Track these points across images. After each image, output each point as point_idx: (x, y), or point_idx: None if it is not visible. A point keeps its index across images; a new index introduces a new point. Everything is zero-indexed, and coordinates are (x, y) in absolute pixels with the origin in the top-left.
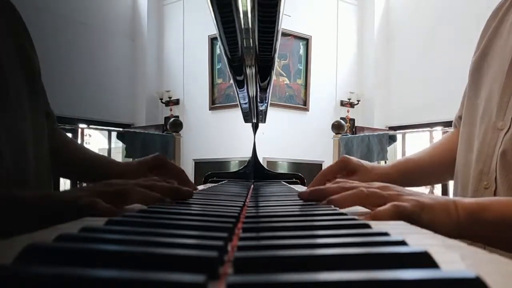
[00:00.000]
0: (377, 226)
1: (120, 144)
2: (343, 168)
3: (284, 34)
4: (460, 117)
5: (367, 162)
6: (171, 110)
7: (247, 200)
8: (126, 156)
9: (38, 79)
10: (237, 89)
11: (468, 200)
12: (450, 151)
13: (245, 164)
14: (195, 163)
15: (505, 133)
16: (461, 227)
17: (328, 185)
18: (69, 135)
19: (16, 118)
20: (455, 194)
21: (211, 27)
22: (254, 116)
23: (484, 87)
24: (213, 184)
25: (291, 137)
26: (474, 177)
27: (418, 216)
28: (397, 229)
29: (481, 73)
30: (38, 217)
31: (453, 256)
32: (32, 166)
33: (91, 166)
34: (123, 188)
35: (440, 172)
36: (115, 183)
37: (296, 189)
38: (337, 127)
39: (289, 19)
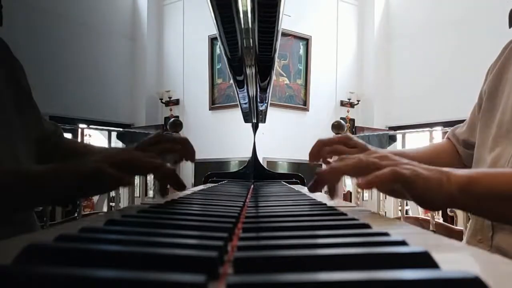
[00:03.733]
0: (377, 226)
1: (120, 144)
2: (343, 143)
3: (284, 34)
4: (464, 141)
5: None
6: (171, 110)
7: (247, 200)
8: None
9: (29, 101)
10: (237, 89)
11: (460, 172)
12: (436, 156)
13: (245, 164)
14: (195, 163)
15: None
16: (452, 199)
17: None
18: (69, 135)
19: (12, 141)
20: None
21: (211, 27)
22: (254, 116)
23: (499, 110)
24: (213, 184)
25: (291, 137)
26: None
27: (413, 183)
28: (398, 229)
29: (495, 97)
30: (46, 189)
31: (453, 256)
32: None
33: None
34: (125, 157)
35: None
36: (118, 152)
37: (296, 189)
38: (337, 127)
39: (289, 19)
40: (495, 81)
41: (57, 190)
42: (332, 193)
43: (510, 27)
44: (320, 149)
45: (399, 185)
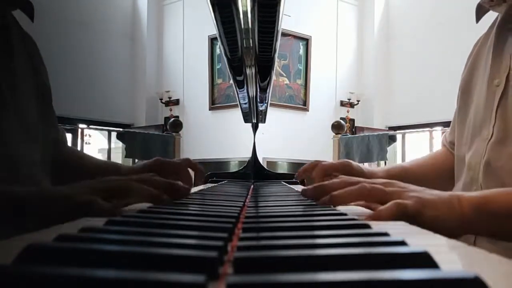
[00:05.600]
0: (377, 226)
1: (120, 144)
2: (345, 172)
3: (284, 34)
4: (451, 142)
5: (366, 167)
6: (171, 110)
7: (247, 200)
8: (126, 156)
9: (50, 103)
10: (237, 89)
11: (471, 193)
12: (432, 166)
13: (245, 164)
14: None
15: (488, 141)
16: (465, 221)
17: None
18: (69, 135)
19: (30, 136)
20: None
21: (211, 27)
22: (254, 116)
23: (472, 106)
24: (213, 184)
25: (291, 137)
26: (465, 185)
27: (420, 213)
28: (397, 229)
29: (468, 94)
30: (35, 212)
31: (453, 256)
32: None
33: (98, 174)
34: (121, 184)
35: (429, 184)
36: (113, 179)
37: (296, 189)
38: (337, 127)
39: (289, 19)
40: (467, 78)
41: (44, 213)
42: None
43: (477, 22)
44: (319, 174)
45: (404, 218)
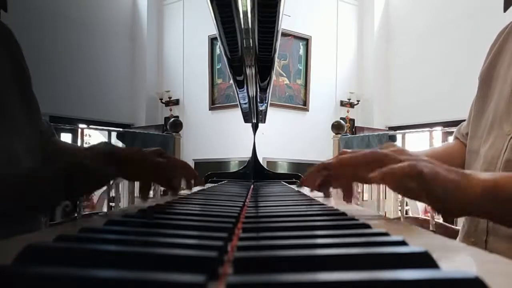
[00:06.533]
0: (377, 226)
1: (120, 144)
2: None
3: (284, 34)
4: (466, 134)
5: (364, 151)
6: (171, 110)
7: (247, 200)
8: None
9: (30, 88)
10: (237, 89)
11: (483, 176)
12: (448, 156)
13: (245, 164)
14: (195, 163)
15: (511, 138)
16: (471, 204)
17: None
18: (69, 135)
19: (11, 132)
20: None
21: (211, 27)
22: (254, 116)
23: (493, 99)
24: (213, 184)
25: (291, 137)
26: None
27: (432, 182)
28: (397, 229)
29: (489, 85)
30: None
31: (453, 256)
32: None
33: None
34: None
35: None
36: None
37: (296, 189)
38: (337, 127)
39: (289, 19)
40: (489, 69)
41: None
42: (349, 195)
43: (505, 11)
44: (316, 169)
45: (415, 183)
